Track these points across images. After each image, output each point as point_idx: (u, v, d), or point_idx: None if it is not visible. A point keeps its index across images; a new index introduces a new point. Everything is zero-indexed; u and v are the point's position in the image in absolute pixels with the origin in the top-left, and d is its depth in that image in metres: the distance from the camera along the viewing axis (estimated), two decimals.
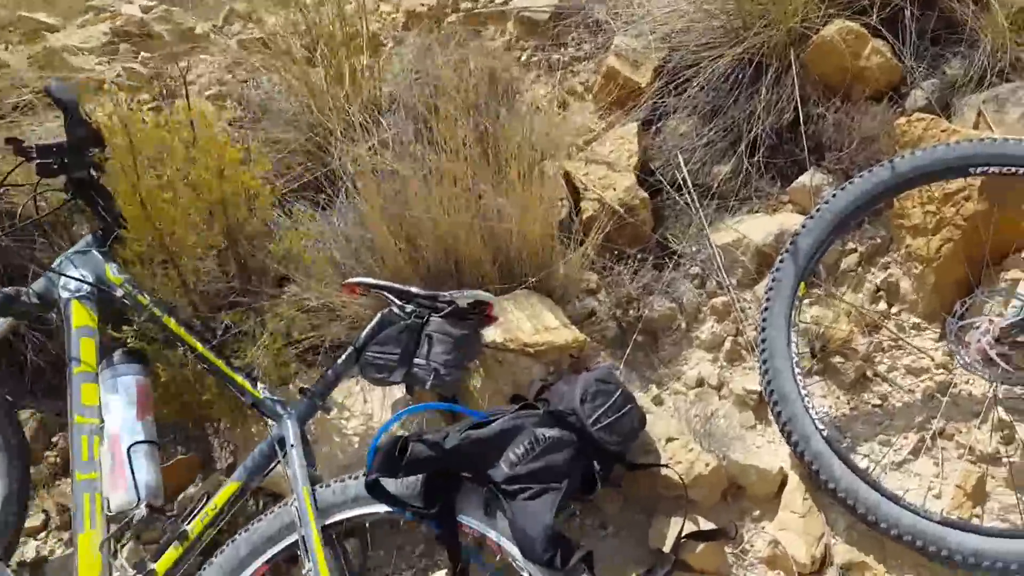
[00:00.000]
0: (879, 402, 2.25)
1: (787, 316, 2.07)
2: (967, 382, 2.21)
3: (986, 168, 2.04)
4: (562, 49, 3.27)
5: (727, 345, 2.43)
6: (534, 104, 3.04)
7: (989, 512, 1.99)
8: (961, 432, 2.12)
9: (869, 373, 2.31)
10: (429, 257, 2.12)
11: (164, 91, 3.07)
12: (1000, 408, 2.11)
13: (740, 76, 2.73)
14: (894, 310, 2.43)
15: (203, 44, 3.38)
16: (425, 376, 1.92)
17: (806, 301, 2.42)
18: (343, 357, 1.96)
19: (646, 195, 2.56)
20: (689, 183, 2.69)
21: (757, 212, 2.64)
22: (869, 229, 2.51)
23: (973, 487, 1.98)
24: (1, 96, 3.02)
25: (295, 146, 2.56)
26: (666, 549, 1.88)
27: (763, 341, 2.08)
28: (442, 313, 1.96)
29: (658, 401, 2.36)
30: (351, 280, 2.05)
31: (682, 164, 2.73)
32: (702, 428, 2.17)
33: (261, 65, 2.85)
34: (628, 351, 2.43)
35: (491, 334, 2.09)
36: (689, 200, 2.67)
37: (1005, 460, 2.05)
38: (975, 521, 1.93)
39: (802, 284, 2.10)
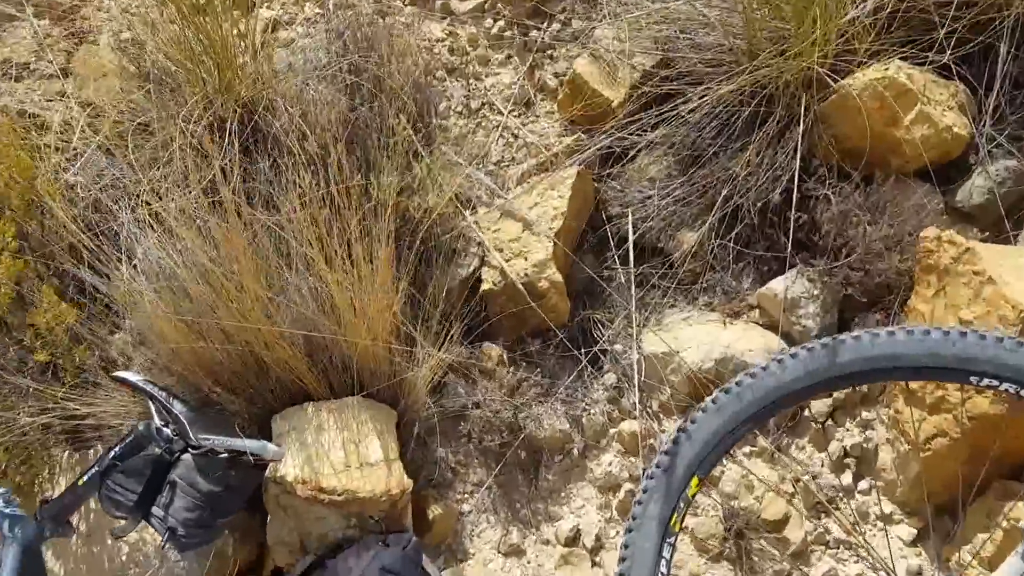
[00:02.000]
0: None
1: (663, 522, 1.50)
2: None
3: (994, 382, 1.34)
4: (545, 23, 2.56)
5: (623, 492, 1.88)
6: (477, 109, 2.41)
7: None
8: None
9: None
10: (224, 359, 1.64)
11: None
12: None
13: (732, 118, 2.00)
14: (862, 486, 1.80)
15: None
16: (160, 531, 1.50)
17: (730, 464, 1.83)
18: (86, 478, 1.55)
19: (560, 279, 1.95)
20: (632, 256, 2.04)
21: (714, 311, 1.99)
22: None
23: None
24: None
25: None
26: None
27: (625, 547, 1.52)
28: (199, 451, 1.50)
29: (517, 551, 1.87)
30: (117, 374, 1.61)
31: (631, 228, 2.07)
32: None
33: None
34: (498, 470, 1.93)
35: (284, 465, 1.63)
36: (625, 279, 2.04)
37: None
38: None
39: (694, 479, 1.51)
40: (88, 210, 1.93)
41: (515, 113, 2.46)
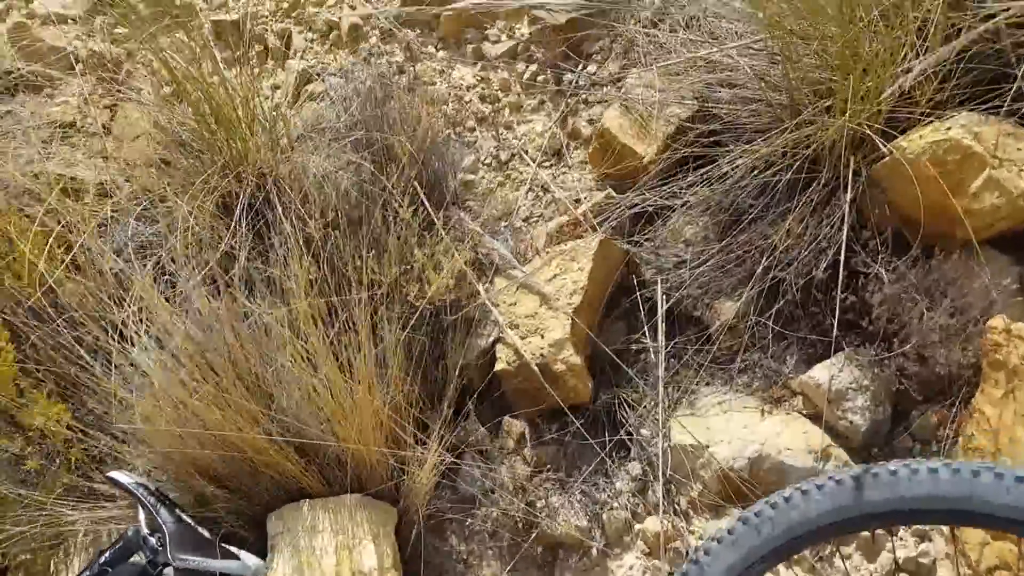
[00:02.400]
0: None
1: None
2: None
3: None
4: (579, 66, 2.40)
5: None
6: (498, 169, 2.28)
7: None
8: None
9: None
10: (215, 462, 1.58)
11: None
12: None
13: (774, 179, 1.80)
14: None
15: (185, 18, 2.85)
16: None
17: None
18: None
19: (578, 361, 1.80)
20: (662, 330, 1.88)
21: (752, 395, 1.80)
22: None
23: None
24: None
25: None
26: None
27: None
28: (180, 567, 1.46)
29: None
30: (110, 474, 1.59)
31: (661, 299, 1.90)
32: None
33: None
34: (512, 565, 1.80)
35: (274, 574, 1.57)
36: (655, 358, 1.87)
37: None
38: None
39: None
40: (108, 288, 1.92)
41: (546, 163, 2.32)
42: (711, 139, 1.96)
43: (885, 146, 1.61)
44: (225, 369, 1.48)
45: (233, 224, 1.85)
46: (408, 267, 1.71)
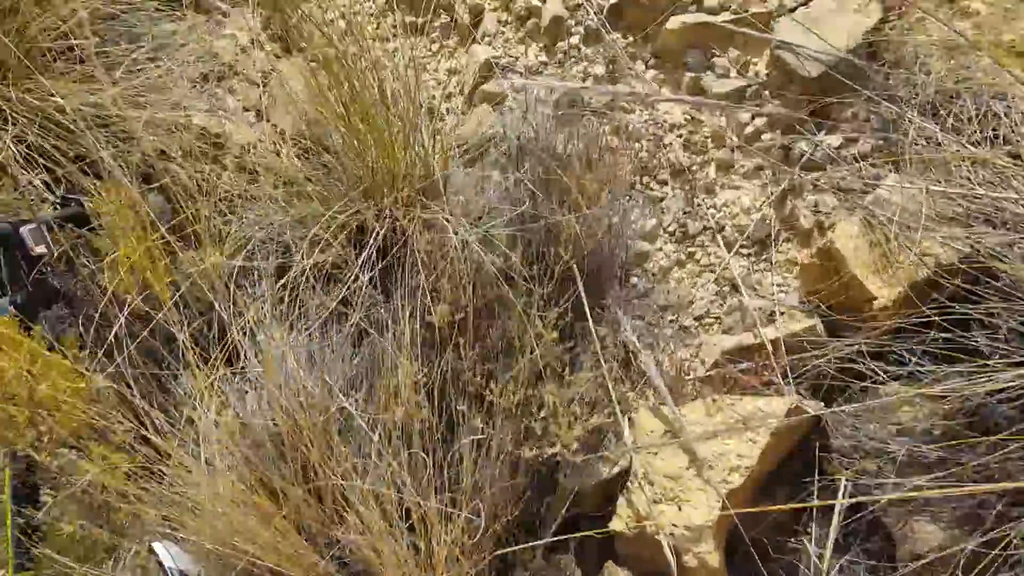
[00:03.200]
0: None
1: None
2: None
3: None
4: (819, 134, 1.88)
5: None
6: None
7: None
8: None
9: None
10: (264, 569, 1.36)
11: None
12: None
13: None
14: None
15: None
16: None
17: None
18: None
19: (717, 563, 1.42)
20: (833, 537, 1.46)
21: None
22: None
23: None
24: None
25: None
26: None
27: None
28: None
29: None
30: (154, 544, 1.42)
31: (842, 492, 1.48)
32: None
33: None
34: None
35: None
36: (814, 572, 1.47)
37: None
38: None
39: None
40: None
41: (744, 251, 1.87)
42: (976, 302, 1.45)
43: None
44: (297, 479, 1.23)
45: (356, 270, 1.58)
46: (534, 400, 1.38)
